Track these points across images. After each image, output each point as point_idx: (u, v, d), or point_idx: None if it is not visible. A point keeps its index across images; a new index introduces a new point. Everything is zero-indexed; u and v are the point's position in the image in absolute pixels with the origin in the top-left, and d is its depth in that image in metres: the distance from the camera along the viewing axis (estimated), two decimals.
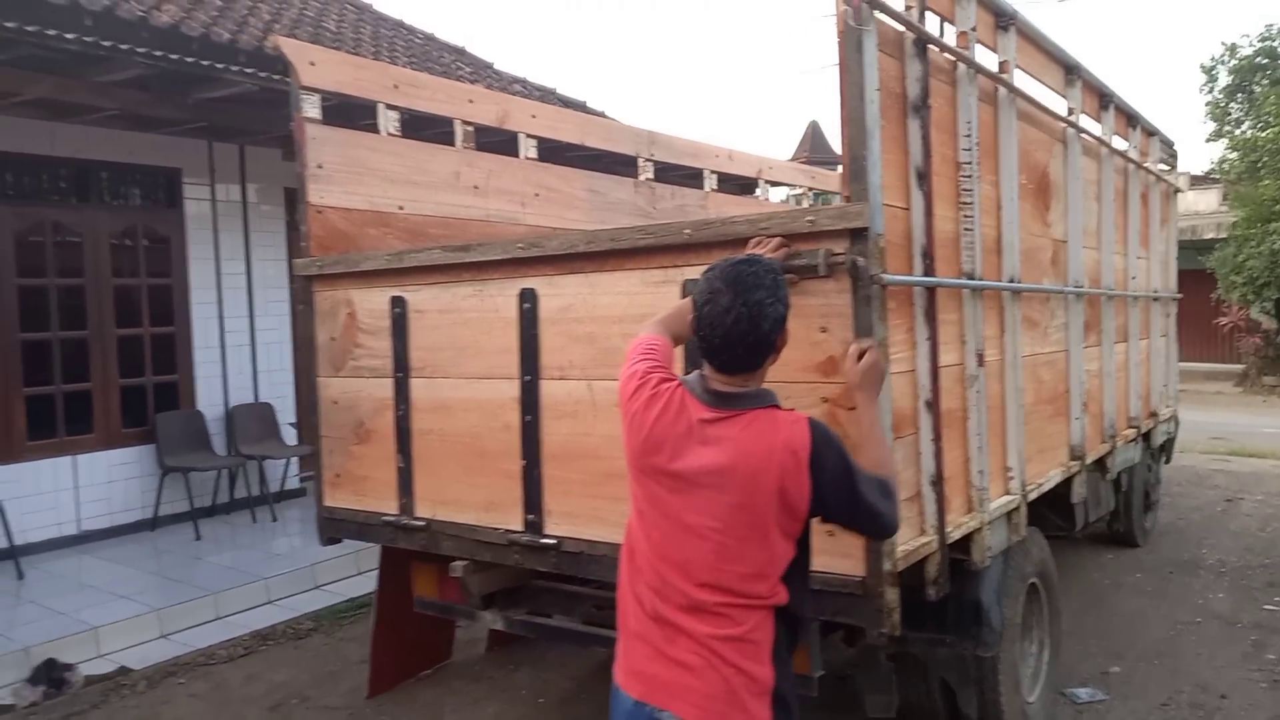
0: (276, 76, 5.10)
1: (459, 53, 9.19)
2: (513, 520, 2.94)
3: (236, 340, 7.67)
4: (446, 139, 4.03)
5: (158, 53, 4.64)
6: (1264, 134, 21.61)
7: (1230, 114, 30.21)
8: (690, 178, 5.65)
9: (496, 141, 4.28)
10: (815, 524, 1.91)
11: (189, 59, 4.74)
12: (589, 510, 2.76)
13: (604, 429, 2.71)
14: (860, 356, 2.10)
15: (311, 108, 3.44)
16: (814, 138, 19.33)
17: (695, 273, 2.48)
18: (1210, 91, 31.13)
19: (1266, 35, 29.23)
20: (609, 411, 2.70)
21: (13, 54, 4.42)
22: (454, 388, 3.06)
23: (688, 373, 2.05)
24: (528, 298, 2.86)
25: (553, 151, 4.58)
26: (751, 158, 6.05)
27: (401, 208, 3.78)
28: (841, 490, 1.84)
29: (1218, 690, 4.27)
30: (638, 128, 5.07)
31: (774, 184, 6.58)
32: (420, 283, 3.14)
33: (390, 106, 3.74)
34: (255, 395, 7.80)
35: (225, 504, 7.39)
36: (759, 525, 1.81)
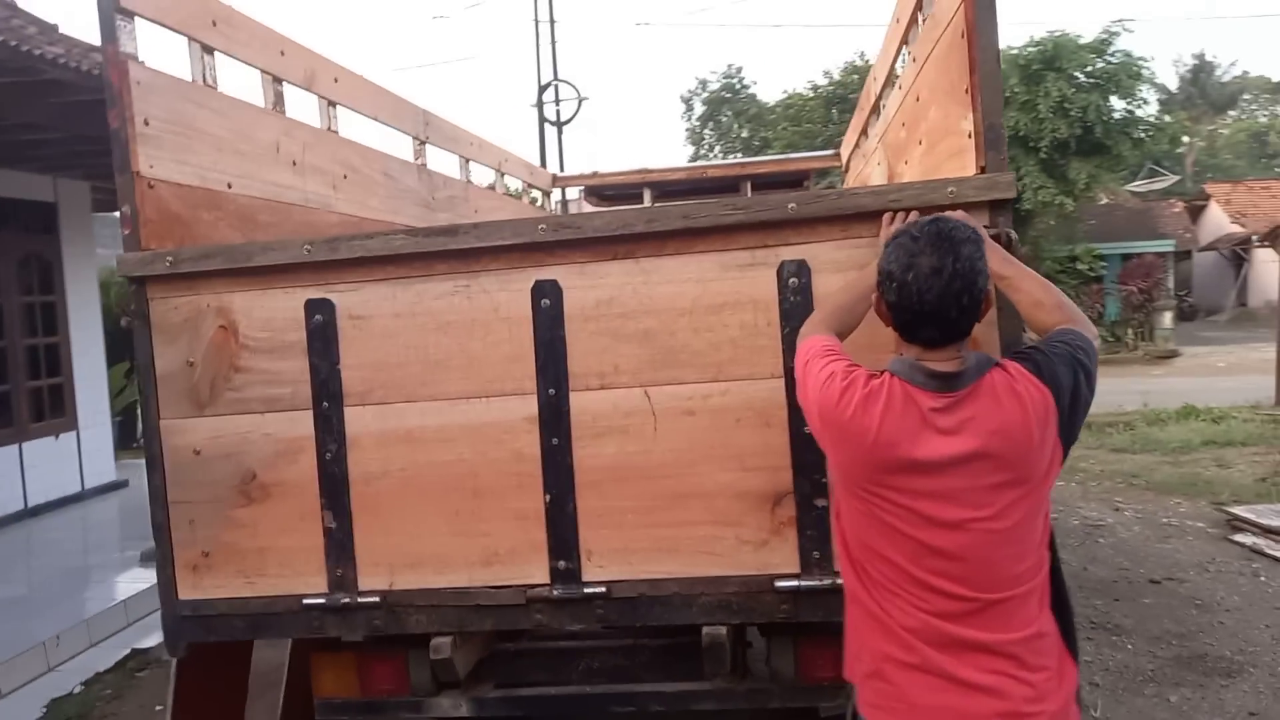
0: None
1: None
2: (532, 572, 2.33)
3: None
4: None
5: None
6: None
7: (705, 139, 35.58)
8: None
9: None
10: None
11: None
12: (651, 543, 2.29)
13: (670, 443, 2.27)
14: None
15: (129, 40, 2.41)
16: None
17: (794, 254, 2.22)
18: (689, 119, 36.36)
19: (728, 73, 34.89)
20: (677, 422, 2.27)
21: None
22: (425, 413, 2.35)
23: None
24: (546, 292, 2.29)
25: None
26: (493, 148, 5.59)
27: (230, 185, 2.82)
28: (1078, 408, 1.70)
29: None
30: (414, 104, 4.39)
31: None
32: (360, 279, 2.35)
33: (207, 49, 2.76)
34: None
35: None
36: (1029, 496, 1.66)
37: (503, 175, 5.85)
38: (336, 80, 3.59)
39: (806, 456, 2.22)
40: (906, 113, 3.20)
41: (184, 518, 2.45)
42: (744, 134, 33.44)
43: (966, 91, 2.17)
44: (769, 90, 50.96)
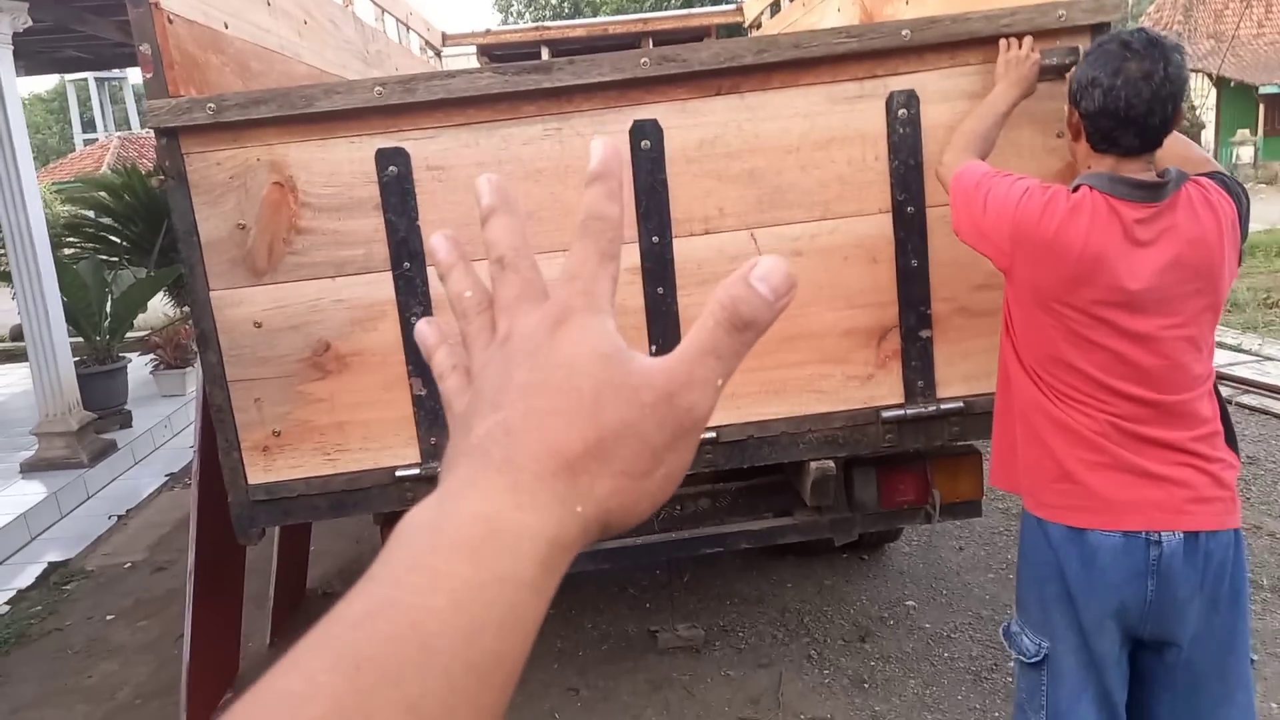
0: None
1: None
2: None
3: None
4: None
5: None
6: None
7: (513, 5, 33.99)
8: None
9: None
10: None
11: None
12: (759, 386, 2.30)
13: None
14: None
15: None
16: None
17: (902, 84, 2.20)
18: None
19: None
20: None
21: None
22: None
23: None
24: (646, 133, 2.17)
25: None
26: (402, 1, 5.14)
27: (226, 26, 2.46)
28: (1245, 232, 1.78)
29: None
30: None
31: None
32: (438, 125, 2.14)
33: None
34: None
35: None
36: (1215, 303, 1.78)
37: (409, 30, 5.39)
38: None
39: (912, 290, 2.26)
40: None
41: (248, 397, 2.23)
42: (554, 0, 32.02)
43: None
44: None
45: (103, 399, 6.50)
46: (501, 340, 0.43)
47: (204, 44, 2.29)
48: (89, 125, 28.73)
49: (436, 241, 0.48)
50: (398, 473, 2.27)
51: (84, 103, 28.76)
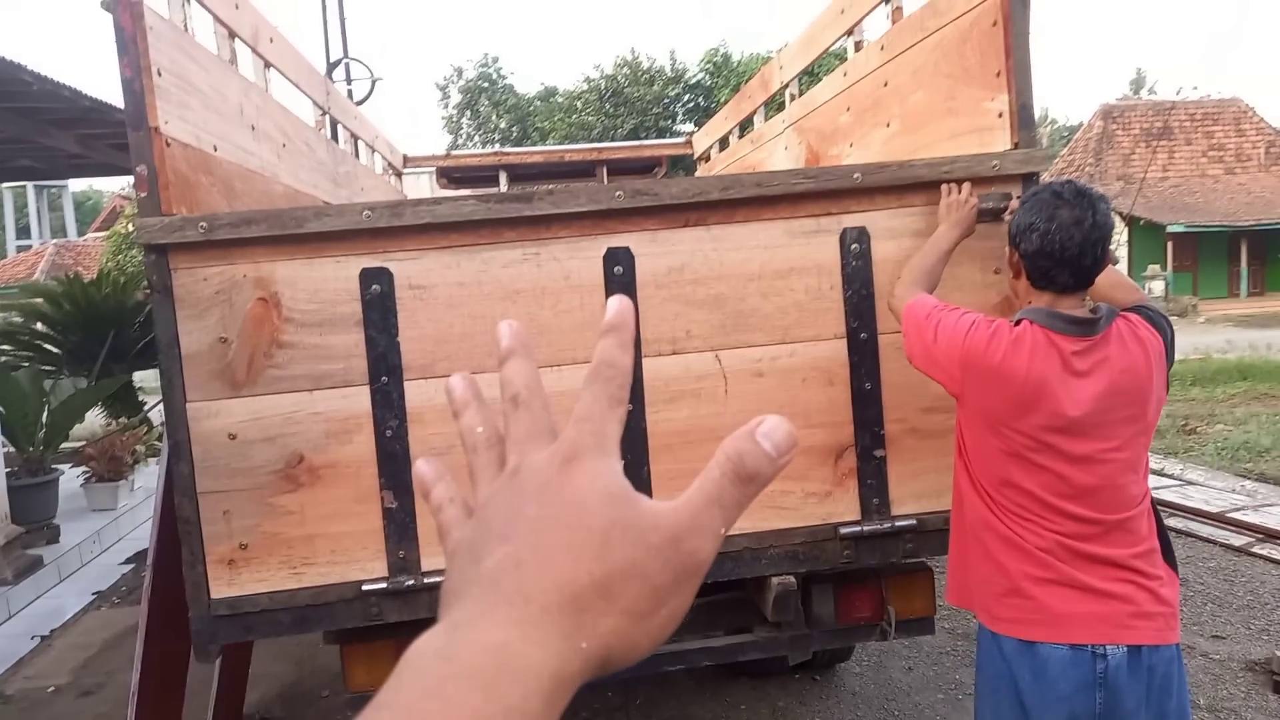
0: None
1: None
2: None
3: None
4: None
5: None
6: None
7: (463, 128, 35.15)
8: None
9: None
10: None
11: None
12: None
13: (740, 404, 2.36)
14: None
15: None
16: None
17: (855, 221, 2.38)
18: (445, 107, 35.75)
19: (484, 62, 34.64)
20: (747, 384, 2.37)
21: None
22: (493, 385, 2.27)
23: None
24: (619, 259, 2.30)
25: None
26: (369, 123, 5.34)
27: (215, 148, 2.57)
28: (1171, 361, 1.95)
29: None
30: (317, 70, 4.13)
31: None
32: (422, 247, 2.24)
33: None
34: None
35: None
36: (1146, 428, 1.93)
37: (373, 152, 5.58)
38: (271, 40, 3.32)
39: (866, 411, 2.39)
40: (858, 98, 3.45)
41: (217, 509, 2.23)
42: (503, 124, 33.20)
43: (999, 75, 2.42)
44: (525, 83, 50.98)
45: (32, 512, 6.27)
46: (510, 473, 0.46)
47: (195, 165, 2.38)
48: (23, 232, 28.37)
49: (454, 381, 0.51)
50: (364, 587, 2.27)
51: (20, 209, 28.47)
